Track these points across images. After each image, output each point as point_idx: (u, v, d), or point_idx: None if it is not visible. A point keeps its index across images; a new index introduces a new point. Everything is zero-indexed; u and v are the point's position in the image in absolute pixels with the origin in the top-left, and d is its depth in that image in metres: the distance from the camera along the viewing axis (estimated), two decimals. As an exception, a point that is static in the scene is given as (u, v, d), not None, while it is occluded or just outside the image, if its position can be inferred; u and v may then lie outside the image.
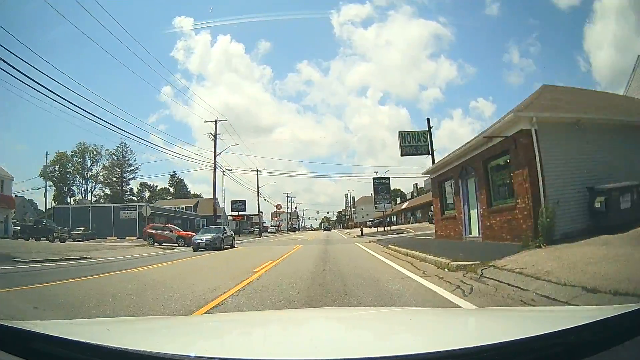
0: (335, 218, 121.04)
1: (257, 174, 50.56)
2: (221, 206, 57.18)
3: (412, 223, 48.87)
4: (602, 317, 1.16)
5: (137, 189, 77.41)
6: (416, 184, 65.66)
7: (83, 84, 63.40)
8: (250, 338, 1.61)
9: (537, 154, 8.81)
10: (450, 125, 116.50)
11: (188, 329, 1.74)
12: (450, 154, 14.08)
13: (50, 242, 27.60)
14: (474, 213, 12.34)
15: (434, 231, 16.88)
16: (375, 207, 35.91)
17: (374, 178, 37.97)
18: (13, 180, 35.05)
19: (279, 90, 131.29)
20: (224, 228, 22.17)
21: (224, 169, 36.84)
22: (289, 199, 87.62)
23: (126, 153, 67.47)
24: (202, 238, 19.47)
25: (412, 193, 66.87)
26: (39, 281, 7.47)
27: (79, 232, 35.13)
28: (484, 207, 11.29)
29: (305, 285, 6.08)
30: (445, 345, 1.09)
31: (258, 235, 51.15)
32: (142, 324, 1.97)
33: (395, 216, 61.17)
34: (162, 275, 8.47)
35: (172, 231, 26.00)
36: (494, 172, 11.16)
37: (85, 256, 15.31)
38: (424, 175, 21.52)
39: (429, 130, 21.65)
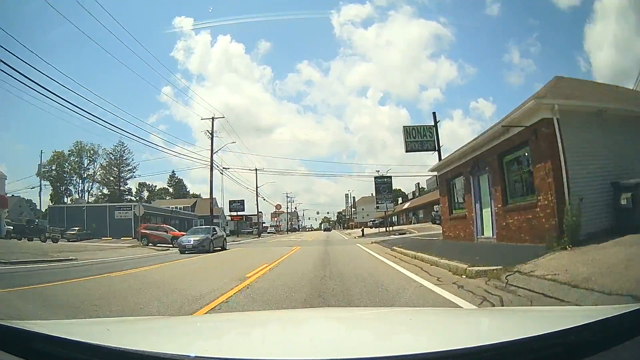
0: (336, 218, 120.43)
1: (256, 173, 49.71)
2: (219, 206, 56.55)
3: (413, 223, 47.86)
4: (602, 317, 1.16)
5: (136, 189, 76.94)
6: (418, 183, 65.00)
7: (83, 84, 62.66)
8: (250, 338, 1.60)
9: (560, 145, 8.07)
10: (450, 126, 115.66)
11: (188, 329, 1.73)
12: (460, 149, 13.22)
13: (42, 242, 27.08)
14: (487, 212, 11.50)
15: (438, 231, 16.51)
16: (377, 207, 35.15)
17: (375, 177, 37.23)
18: (6, 179, 34.67)
19: (279, 91, 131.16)
20: (214, 228, 20.77)
21: (222, 168, 36.04)
22: (288, 199, 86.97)
23: (124, 152, 66.72)
24: (190, 239, 17.93)
25: (413, 193, 65.97)
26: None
27: (74, 232, 34.81)
28: (499, 205, 10.43)
29: (301, 297, 5.22)
30: (446, 345, 1.09)
31: (257, 236, 50.37)
32: (142, 324, 1.95)
33: (396, 216, 60.29)
34: (128, 284, 7.07)
35: (166, 231, 25.35)
36: (510, 166, 10.33)
37: (71, 257, 14.73)
38: (426, 174, 20.73)
39: (435, 125, 20.48)
